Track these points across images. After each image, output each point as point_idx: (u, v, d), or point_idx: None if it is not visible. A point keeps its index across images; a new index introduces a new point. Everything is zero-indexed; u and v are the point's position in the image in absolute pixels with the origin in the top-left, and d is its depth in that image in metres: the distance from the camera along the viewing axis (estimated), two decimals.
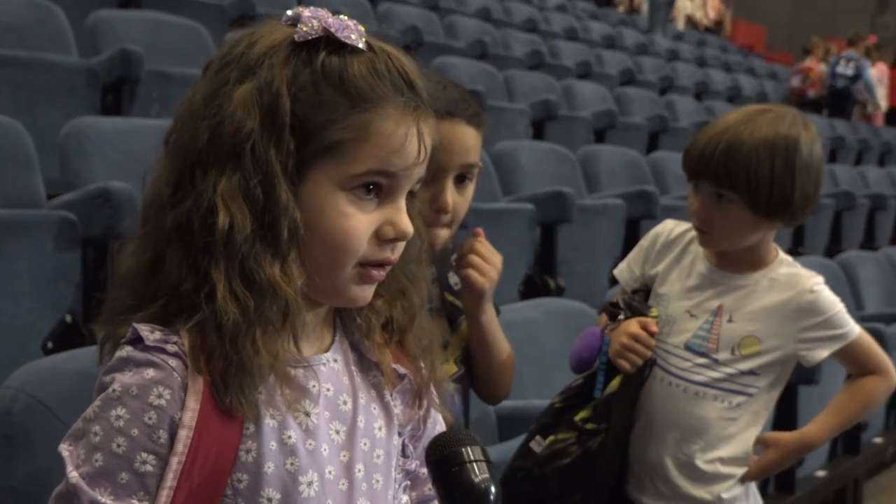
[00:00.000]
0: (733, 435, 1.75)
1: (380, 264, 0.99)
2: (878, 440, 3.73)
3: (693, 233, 1.78)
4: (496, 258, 1.55)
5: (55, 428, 1.20)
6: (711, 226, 1.69)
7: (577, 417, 1.76)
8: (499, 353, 1.62)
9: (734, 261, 1.75)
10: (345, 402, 1.02)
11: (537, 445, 1.77)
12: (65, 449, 0.93)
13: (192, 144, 0.94)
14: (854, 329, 1.74)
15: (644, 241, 1.86)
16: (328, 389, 1.01)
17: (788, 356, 1.75)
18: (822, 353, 1.73)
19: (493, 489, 0.91)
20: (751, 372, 1.74)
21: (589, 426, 1.74)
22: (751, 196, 1.63)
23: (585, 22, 10.16)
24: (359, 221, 0.96)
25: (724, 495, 1.76)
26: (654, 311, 1.76)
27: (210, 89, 0.96)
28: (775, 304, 1.73)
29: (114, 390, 0.92)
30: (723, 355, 1.73)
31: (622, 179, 4.70)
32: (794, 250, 5.38)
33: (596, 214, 3.83)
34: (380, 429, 1.05)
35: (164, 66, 3.52)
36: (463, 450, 0.93)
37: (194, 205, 0.93)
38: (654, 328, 1.71)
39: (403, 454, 1.09)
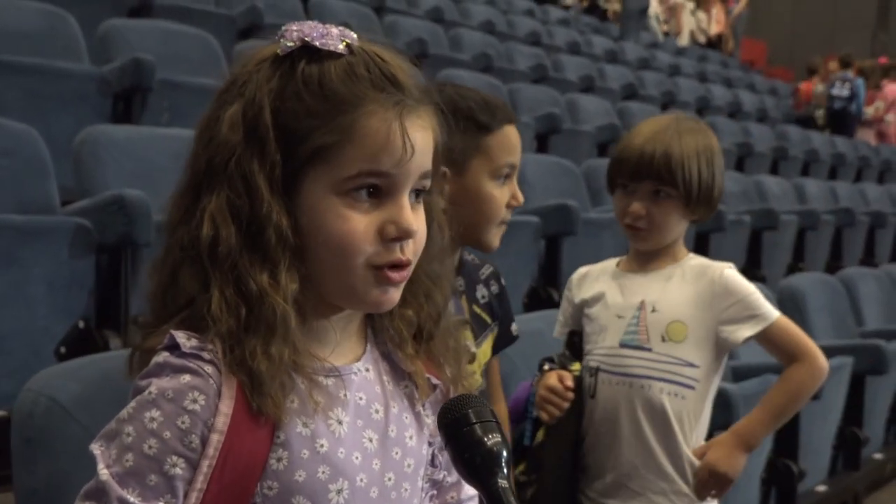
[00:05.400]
0: (687, 428, 1.82)
1: (394, 265, 0.98)
2: (878, 456, 3.75)
3: (610, 263, 1.93)
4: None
5: (74, 431, 1.21)
6: (650, 221, 1.82)
7: (518, 471, 1.83)
8: None
9: (649, 260, 1.88)
10: (377, 411, 1.03)
11: None
12: (96, 448, 0.94)
13: (195, 168, 0.98)
14: (773, 312, 1.84)
15: (564, 294, 1.99)
16: (360, 398, 1.02)
17: (716, 342, 1.83)
18: (745, 333, 1.82)
19: (504, 452, 0.90)
20: (690, 364, 1.82)
21: (521, 478, 1.82)
22: (686, 190, 1.81)
23: (588, 36, 10.18)
24: (357, 223, 0.96)
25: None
26: (575, 366, 1.85)
27: (212, 114, 0.99)
28: (693, 293, 1.84)
29: (150, 393, 0.94)
30: (655, 344, 1.82)
31: None
32: (795, 266, 5.40)
33: (600, 227, 3.85)
34: (410, 438, 1.05)
35: (173, 76, 3.54)
36: (472, 411, 0.91)
37: (193, 224, 0.96)
38: (570, 382, 1.80)
39: (432, 464, 1.10)
